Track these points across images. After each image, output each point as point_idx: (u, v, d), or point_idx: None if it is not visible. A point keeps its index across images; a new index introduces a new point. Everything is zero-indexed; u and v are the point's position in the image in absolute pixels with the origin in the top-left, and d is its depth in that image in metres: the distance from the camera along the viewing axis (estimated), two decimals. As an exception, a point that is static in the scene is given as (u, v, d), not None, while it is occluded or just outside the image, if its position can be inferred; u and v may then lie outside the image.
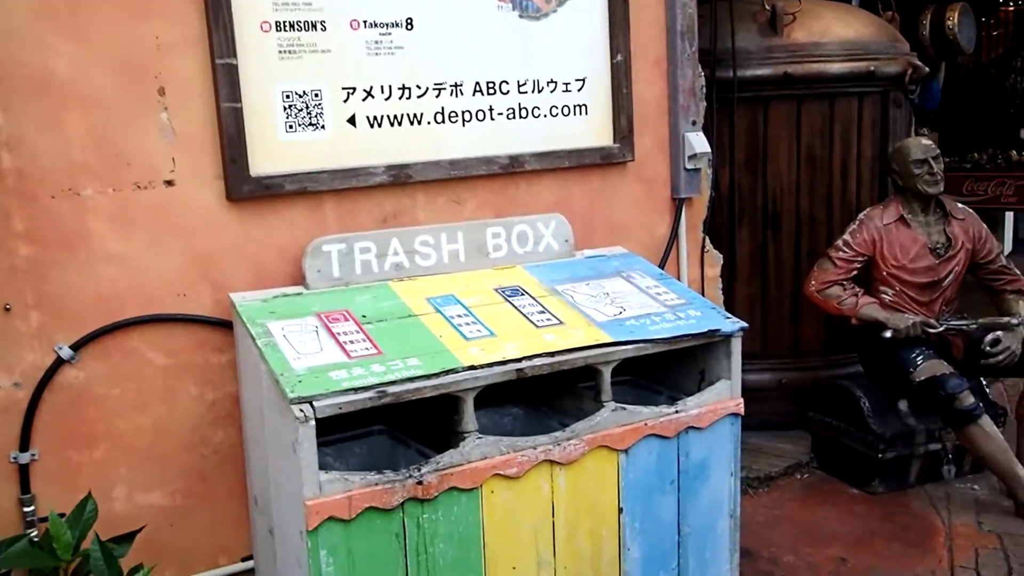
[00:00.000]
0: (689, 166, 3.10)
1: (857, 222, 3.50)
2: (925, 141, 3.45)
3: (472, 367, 2.07)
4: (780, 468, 3.71)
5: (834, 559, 3.02)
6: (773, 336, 4.04)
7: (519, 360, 2.13)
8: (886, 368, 3.42)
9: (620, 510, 2.29)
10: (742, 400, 2.49)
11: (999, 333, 3.24)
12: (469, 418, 2.08)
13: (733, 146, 3.89)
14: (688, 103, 3.08)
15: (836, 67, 3.78)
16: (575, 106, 2.86)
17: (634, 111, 2.96)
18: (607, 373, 2.27)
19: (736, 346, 2.46)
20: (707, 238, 3.29)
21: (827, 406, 3.69)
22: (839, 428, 3.60)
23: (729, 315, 2.50)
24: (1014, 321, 3.23)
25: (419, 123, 2.60)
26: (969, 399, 3.11)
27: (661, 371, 2.62)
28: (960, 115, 9.40)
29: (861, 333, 3.55)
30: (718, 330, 2.40)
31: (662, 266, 3.11)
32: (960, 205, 3.53)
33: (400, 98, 2.56)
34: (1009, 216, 7.81)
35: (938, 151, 3.42)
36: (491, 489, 2.08)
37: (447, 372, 2.04)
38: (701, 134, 3.12)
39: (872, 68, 3.80)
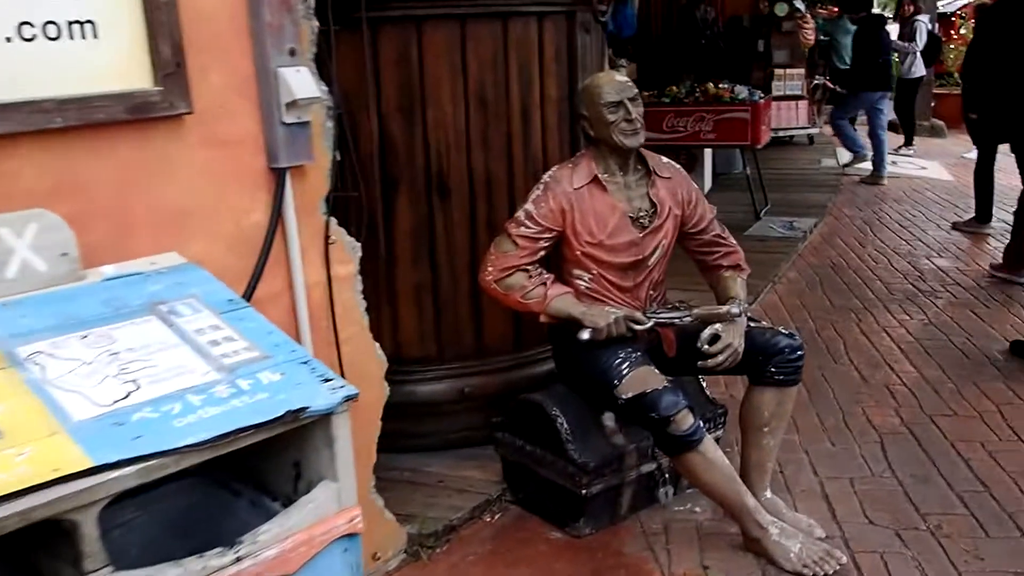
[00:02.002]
0: (289, 119, 2.10)
1: (541, 187, 2.70)
2: (620, 78, 2.70)
3: None
4: (465, 510, 2.90)
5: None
6: (449, 334, 3.19)
7: None
8: (586, 378, 2.68)
9: None
10: (359, 512, 1.57)
11: (718, 327, 2.59)
12: None
13: (381, 87, 2.94)
14: (280, 20, 2.06)
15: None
16: (72, 24, 1.75)
17: (186, 32, 1.89)
18: (89, 523, 1.25)
19: (341, 429, 1.53)
20: (333, 221, 2.32)
21: (518, 426, 2.92)
22: (534, 455, 2.84)
23: (335, 378, 1.56)
24: (734, 310, 2.59)
25: None
26: (687, 422, 2.43)
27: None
28: (657, 45, 9.16)
29: (555, 332, 2.79)
30: (304, 409, 1.45)
31: (259, 271, 2.11)
32: (665, 160, 2.84)
33: None
34: (708, 152, 7.60)
35: (636, 90, 2.68)
36: None
37: None
38: (306, 70, 2.13)
39: (550, -18, 2.99)
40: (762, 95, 6.94)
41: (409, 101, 2.98)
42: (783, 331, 2.66)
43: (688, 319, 2.61)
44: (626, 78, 2.70)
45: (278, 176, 2.14)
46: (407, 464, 3.19)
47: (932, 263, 5.82)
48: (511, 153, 3.11)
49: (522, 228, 2.66)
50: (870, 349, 4.29)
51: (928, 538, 2.67)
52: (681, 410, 2.43)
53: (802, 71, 9.65)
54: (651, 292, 2.77)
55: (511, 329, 3.22)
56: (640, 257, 2.70)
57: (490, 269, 2.69)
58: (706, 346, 2.57)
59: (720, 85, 6.80)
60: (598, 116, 2.64)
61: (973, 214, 6.65)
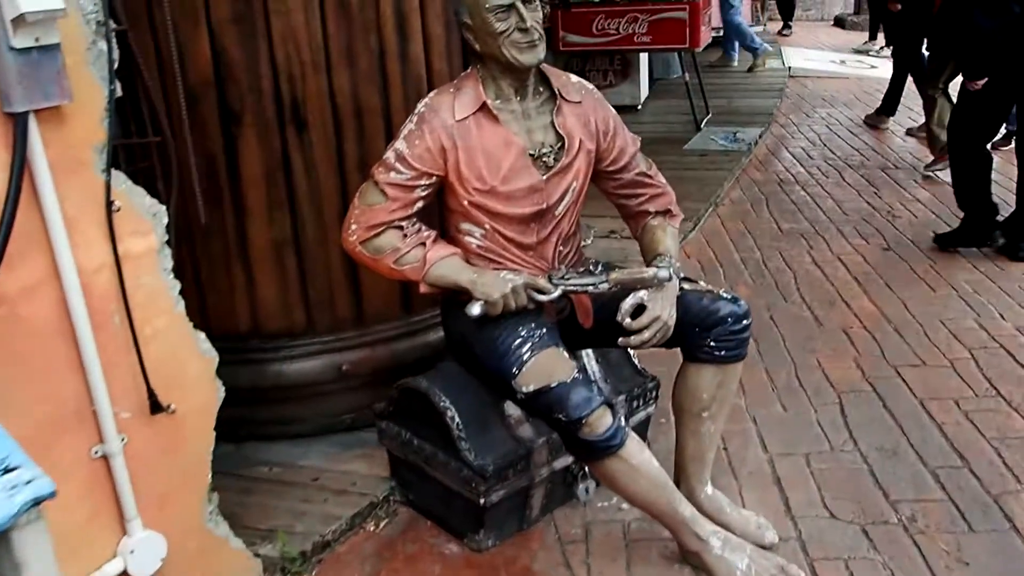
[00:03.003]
0: (21, 42, 1.48)
1: (415, 118, 2.11)
2: (510, -28, 2.09)
3: None
4: (343, 520, 2.39)
5: None
6: (320, 300, 2.63)
7: None
8: (479, 362, 2.16)
9: None
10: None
11: (642, 295, 2.06)
12: None
13: (207, -12, 2.30)
14: None
15: None
16: None
17: None
18: None
19: (33, 548, 0.97)
20: (120, 179, 1.72)
21: (404, 415, 2.39)
22: (423, 452, 2.33)
23: (21, 466, 1.00)
24: (662, 273, 2.05)
25: None
26: (603, 423, 1.93)
27: None
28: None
29: (446, 300, 2.26)
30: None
31: (-4, 259, 1.51)
32: (575, 80, 2.25)
33: None
34: (643, 57, 6.99)
35: (533, -11, 2.08)
36: None
37: None
38: (43, -33, 1.49)
39: None
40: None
41: (246, 7, 2.34)
42: (724, 295, 2.15)
43: (605, 285, 2.08)
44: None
45: (15, 123, 1.52)
46: (279, 456, 2.69)
47: (888, 176, 5.36)
48: (385, 72, 2.50)
49: (392, 174, 2.09)
50: (823, 283, 3.83)
51: (901, 535, 2.23)
52: (595, 409, 1.92)
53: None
54: (560, 248, 2.22)
55: (397, 290, 2.67)
56: (544, 206, 2.15)
57: (354, 227, 2.12)
58: (628, 319, 2.05)
59: (655, -20, 6.15)
60: (483, 25, 2.05)
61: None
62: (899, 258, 4.05)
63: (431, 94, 2.16)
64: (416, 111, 2.12)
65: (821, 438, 2.68)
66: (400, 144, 2.10)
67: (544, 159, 2.14)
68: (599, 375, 2.46)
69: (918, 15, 5.37)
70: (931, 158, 5.24)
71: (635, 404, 2.49)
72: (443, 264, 2.11)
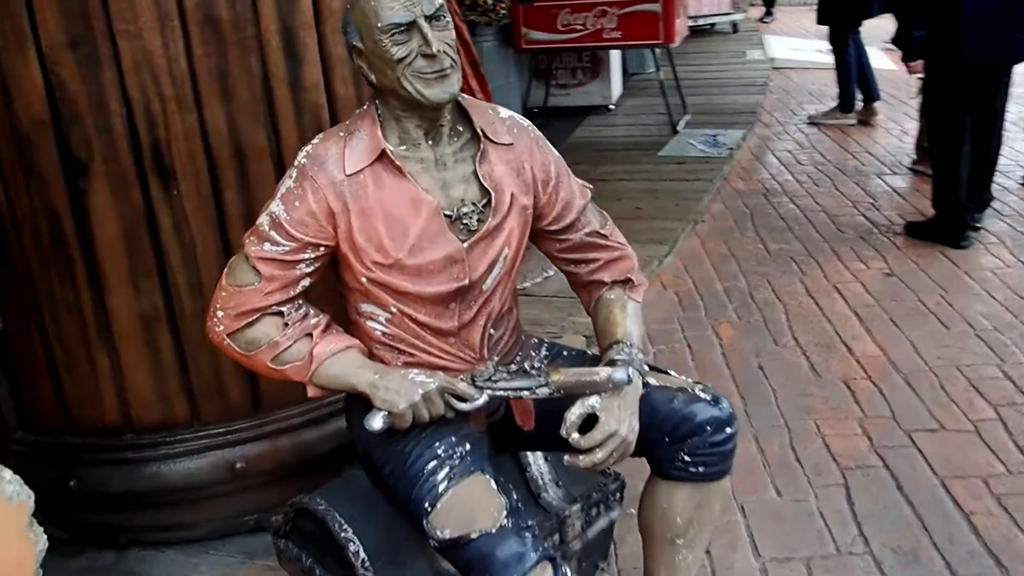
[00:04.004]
0: None
1: (294, 172, 1.64)
2: (412, -23, 1.61)
3: None
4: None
5: None
6: (205, 385, 2.16)
7: None
8: (388, 484, 1.70)
9: None
10: None
11: (593, 402, 1.59)
12: None
13: (32, 7, 1.82)
14: None
15: None
16: None
17: None
18: None
19: None
20: None
21: (305, 538, 1.92)
22: (327, 588, 1.86)
23: None
24: (618, 375, 1.58)
25: None
26: (541, 585, 1.46)
27: None
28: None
29: (348, 397, 1.79)
30: None
31: None
32: (505, 115, 1.78)
33: None
34: (615, 52, 6.52)
35: (441, 1, 1.60)
36: None
37: None
38: None
39: None
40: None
41: (84, 28, 1.86)
42: (702, 394, 1.68)
43: (545, 390, 1.61)
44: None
45: None
46: (167, 568, 2.24)
47: (886, 183, 4.92)
48: (272, 103, 2.03)
49: (266, 245, 1.62)
50: (819, 319, 3.38)
51: None
52: (530, 570, 1.45)
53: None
54: (490, 332, 1.75)
55: (301, 370, 2.19)
56: (467, 281, 1.68)
57: (220, 315, 1.65)
58: (575, 435, 1.59)
59: (624, -31, 5.68)
60: (376, 49, 1.58)
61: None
62: (904, 286, 3.60)
63: (316, 139, 1.68)
64: (296, 162, 1.65)
65: (825, 536, 2.23)
66: (276, 206, 1.62)
67: (465, 220, 1.67)
68: (548, 477, 2.00)
69: None
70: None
71: (594, 511, 2.03)
72: (335, 362, 1.64)
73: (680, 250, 4.17)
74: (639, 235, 4.02)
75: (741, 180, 5.15)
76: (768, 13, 10.86)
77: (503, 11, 5.87)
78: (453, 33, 1.61)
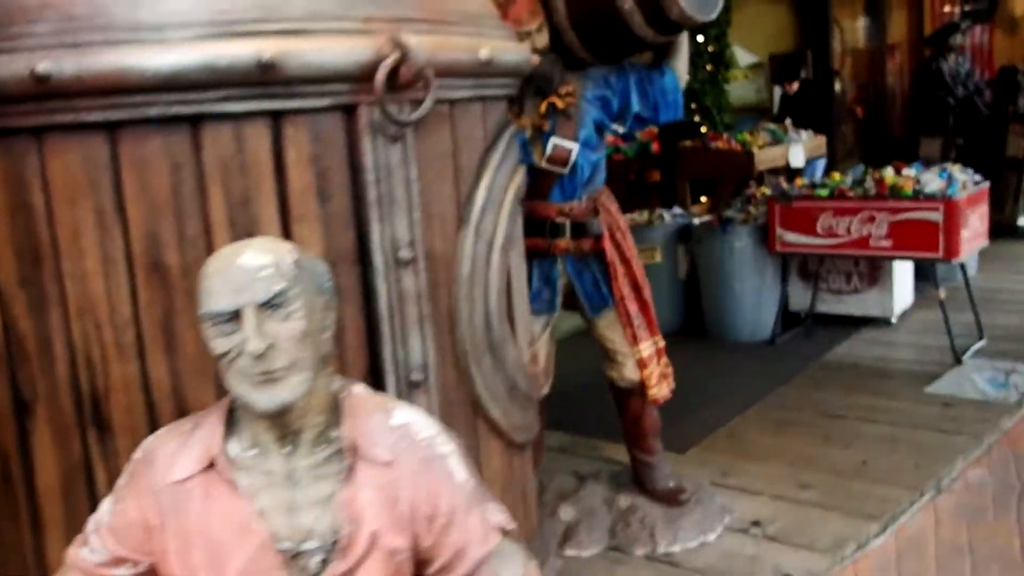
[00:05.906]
0: None
1: (128, 467, 1.41)
2: (252, 256, 1.33)
3: None
4: None
5: None
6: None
7: None
8: None
9: None
10: None
11: None
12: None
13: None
14: None
15: (177, 58, 1.67)
16: None
17: None
18: None
19: None
20: None
21: None
22: None
23: None
24: None
25: None
26: None
27: None
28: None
29: None
30: None
31: None
32: (400, 422, 1.42)
33: None
34: (899, 267, 5.72)
35: (286, 282, 1.31)
36: None
37: None
38: None
39: (274, 59, 1.69)
40: (973, 182, 5.08)
41: (34, 268, 1.80)
42: None
43: None
44: (272, 255, 1.33)
45: None
46: None
47: None
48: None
49: (83, 551, 1.40)
50: None
51: None
52: None
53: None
54: None
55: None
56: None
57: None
58: None
59: (904, 172, 5.02)
60: (206, 340, 1.32)
61: None
62: None
63: (162, 430, 1.44)
64: (133, 455, 1.42)
65: None
66: (107, 503, 1.40)
67: (304, 560, 1.33)
68: None
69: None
70: None
71: None
72: None
73: (899, 532, 3.34)
74: (847, 503, 3.31)
75: (1024, 439, 4.14)
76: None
77: (759, 209, 5.44)
78: (300, 325, 1.31)
